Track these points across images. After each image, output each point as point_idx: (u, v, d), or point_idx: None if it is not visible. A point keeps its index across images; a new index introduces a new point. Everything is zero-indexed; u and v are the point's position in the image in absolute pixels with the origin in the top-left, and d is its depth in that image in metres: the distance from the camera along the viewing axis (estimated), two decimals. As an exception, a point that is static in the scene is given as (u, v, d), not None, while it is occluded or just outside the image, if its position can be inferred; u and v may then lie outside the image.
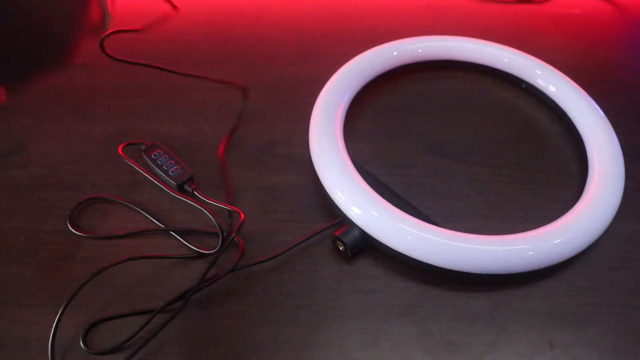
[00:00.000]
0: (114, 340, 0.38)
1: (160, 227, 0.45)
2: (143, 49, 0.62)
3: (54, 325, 0.38)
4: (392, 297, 0.41)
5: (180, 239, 0.44)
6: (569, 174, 0.50)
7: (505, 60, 0.57)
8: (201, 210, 0.45)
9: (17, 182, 0.48)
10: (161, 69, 0.54)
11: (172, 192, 0.46)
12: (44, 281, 0.41)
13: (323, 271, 0.43)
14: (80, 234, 0.44)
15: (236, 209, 0.44)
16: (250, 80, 0.58)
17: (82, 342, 0.38)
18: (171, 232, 0.44)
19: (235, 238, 0.42)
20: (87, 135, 0.52)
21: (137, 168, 0.48)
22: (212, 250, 0.43)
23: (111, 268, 0.40)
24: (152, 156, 0.48)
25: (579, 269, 0.43)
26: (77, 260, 0.43)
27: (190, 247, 0.43)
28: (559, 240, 0.41)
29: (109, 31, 0.52)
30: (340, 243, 0.42)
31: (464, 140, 0.52)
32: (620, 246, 0.44)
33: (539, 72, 0.55)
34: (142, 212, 0.45)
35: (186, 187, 0.47)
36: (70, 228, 0.44)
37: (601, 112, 0.51)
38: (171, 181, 0.47)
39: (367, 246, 0.43)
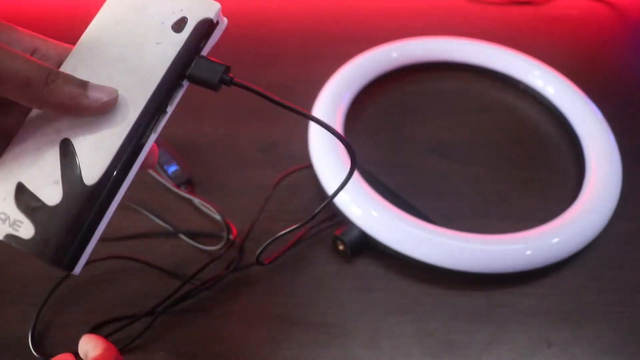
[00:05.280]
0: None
1: (166, 228, 0.45)
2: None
3: (32, 324, 0.39)
4: (391, 296, 0.41)
5: (188, 238, 0.44)
6: (566, 174, 0.50)
7: (504, 61, 0.57)
8: (197, 210, 0.45)
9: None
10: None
11: (176, 188, 0.46)
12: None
13: (323, 271, 0.43)
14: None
15: (230, 223, 0.44)
16: (250, 80, 0.58)
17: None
18: (180, 235, 0.44)
19: (235, 240, 0.43)
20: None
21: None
22: (214, 247, 0.43)
23: (109, 271, 0.41)
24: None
25: (576, 268, 0.43)
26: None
27: (195, 246, 0.43)
28: (556, 239, 0.41)
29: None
30: (340, 243, 0.42)
31: (462, 140, 0.53)
32: (617, 245, 0.45)
33: (537, 73, 0.56)
34: (145, 211, 0.46)
35: (182, 189, 0.47)
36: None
37: (598, 113, 0.51)
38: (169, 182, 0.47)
39: (366, 246, 0.43)
